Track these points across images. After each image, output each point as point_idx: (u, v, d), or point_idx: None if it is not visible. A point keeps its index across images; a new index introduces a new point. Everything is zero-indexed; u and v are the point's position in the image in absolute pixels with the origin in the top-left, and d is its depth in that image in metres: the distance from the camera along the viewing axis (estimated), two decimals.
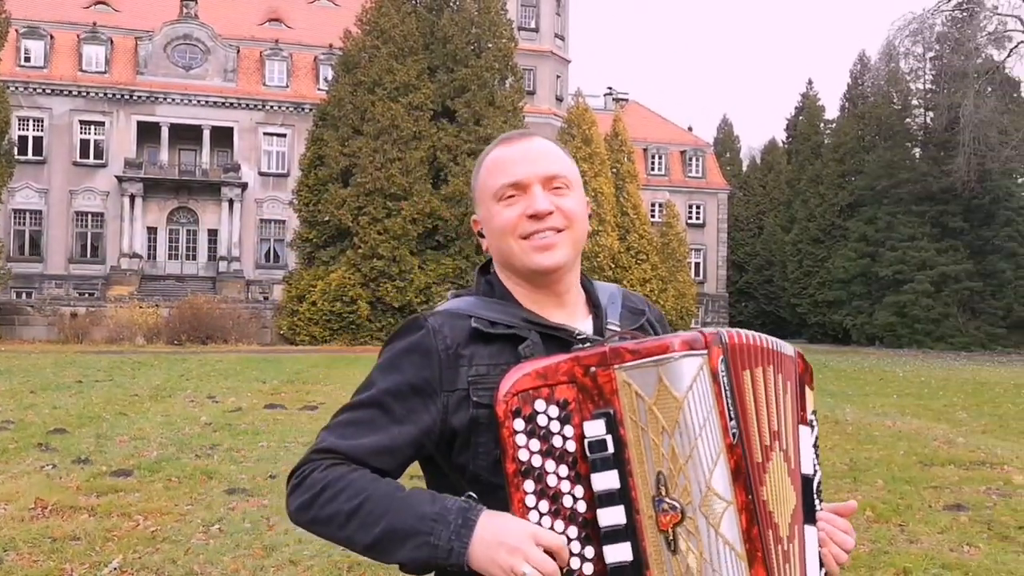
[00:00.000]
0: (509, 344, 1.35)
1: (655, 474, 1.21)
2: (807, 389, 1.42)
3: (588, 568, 1.21)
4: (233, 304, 36.87)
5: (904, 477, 8.26)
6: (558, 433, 1.23)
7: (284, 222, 45.03)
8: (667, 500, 1.20)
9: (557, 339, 1.37)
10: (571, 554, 1.21)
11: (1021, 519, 6.56)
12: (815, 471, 1.40)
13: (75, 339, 32.28)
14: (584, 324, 1.45)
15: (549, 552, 1.18)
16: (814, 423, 1.43)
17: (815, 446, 1.42)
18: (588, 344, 1.33)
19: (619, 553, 1.20)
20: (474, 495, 1.26)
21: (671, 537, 1.20)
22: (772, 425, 1.29)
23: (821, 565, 1.38)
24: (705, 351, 1.23)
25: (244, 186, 44.48)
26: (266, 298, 40.91)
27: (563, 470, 1.23)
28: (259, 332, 35.96)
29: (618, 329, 1.44)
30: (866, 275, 46.32)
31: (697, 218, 55.65)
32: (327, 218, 35.90)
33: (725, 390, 1.23)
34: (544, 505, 1.22)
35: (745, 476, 1.22)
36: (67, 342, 31.76)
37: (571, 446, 1.23)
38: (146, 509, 6.33)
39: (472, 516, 1.21)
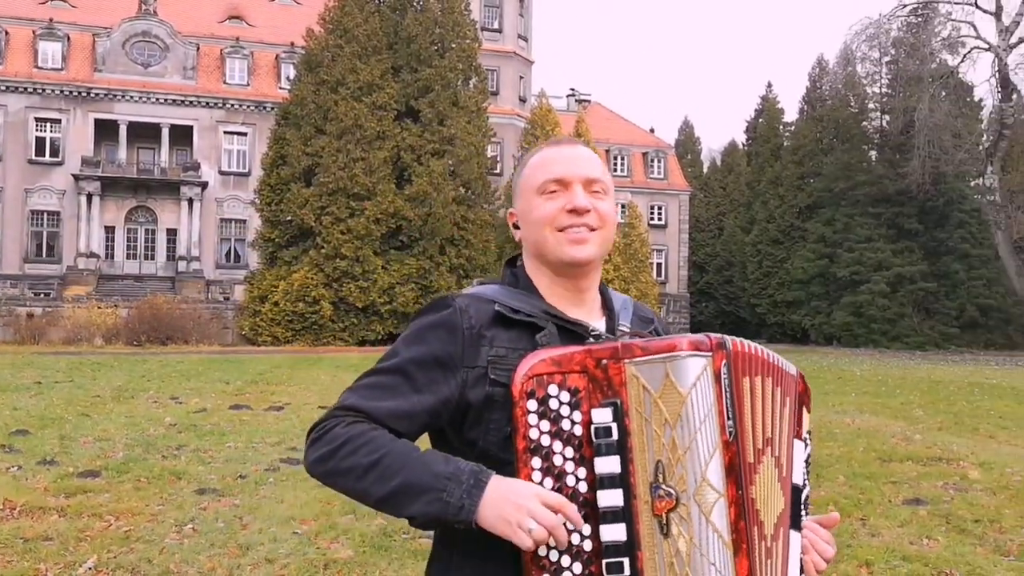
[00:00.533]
0: (528, 331, 1.44)
1: (654, 462, 1.29)
2: (804, 409, 1.51)
3: (586, 545, 1.30)
4: (193, 304, 36.53)
5: (864, 473, 8.45)
6: (567, 417, 1.31)
7: (245, 221, 44.64)
8: (663, 487, 1.28)
9: (572, 333, 1.46)
10: (570, 531, 1.29)
11: (978, 513, 6.76)
12: (804, 483, 1.49)
13: (31, 340, 31.79)
14: (598, 324, 1.53)
15: (555, 511, 1.26)
16: (808, 440, 1.52)
17: (807, 462, 1.51)
18: (601, 339, 1.43)
19: (614, 533, 1.28)
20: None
21: (664, 522, 1.28)
22: (766, 432, 1.38)
23: (802, 571, 1.45)
24: (710, 353, 1.32)
25: (204, 185, 43.97)
26: (227, 298, 40.52)
27: (569, 452, 1.31)
28: (220, 333, 35.66)
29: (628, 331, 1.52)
30: (824, 276, 46.99)
31: (659, 219, 56.06)
32: (289, 218, 35.71)
33: (726, 391, 1.31)
34: (548, 482, 1.30)
35: (737, 473, 1.31)
36: (23, 343, 31.25)
37: (578, 430, 1.31)
38: (117, 510, 6.30)
39: (483, 478, 1.29)
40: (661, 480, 1.28)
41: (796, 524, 1.45)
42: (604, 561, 1.28)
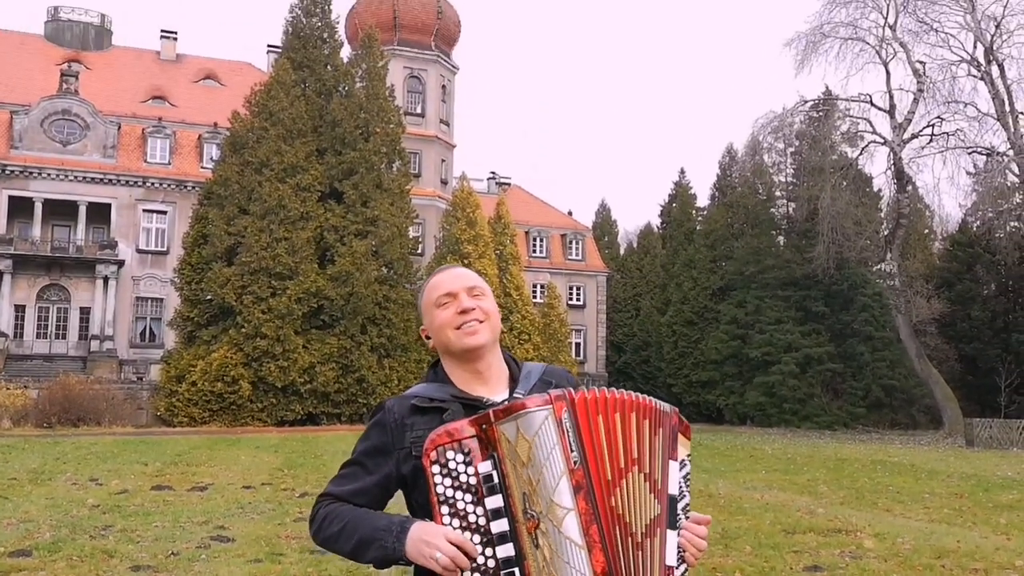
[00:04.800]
0: (438, 414, 1.97)
1: (522, 494, 1.79)
2: (681, 437, 2.00)
3: (490, 563, 1.79)
4: (107, 385, 35.74)
5: (769, 543, 9.02)
6: (463, 472, 1.81)
7: (162, 300, 44.14)
8: (530, 511, 1.78)
9: (474, 407, 1.97)
10: (477, 553, 1.78)
11: None
12: (681, 494, 1.98)
13: None
14: (501, 395, 2.06)
15: (456, 545, 1.76)
16: (686, 462, 2.02)
17: (686, 478, 2.01)
18: (487, 409, 1.93)
19: (506, 551, 1.78)
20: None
21: (534, 537, 1.77)
22: (631, 453, 1.85)
23: (683, 561, 1.95)
24: (550, 406, 1.81)
25: (120, 263, 43.38)
26: (141, 378, 39.71)
27: (468, 497, 1.81)
28: (135, 413, 34.92)
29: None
30: (737, 356, 48.21)
31: (577, 299, 57.19)
32: (210, 296, 35.48)
33: (567, 431, 1.80)
34: (456, 522, 1.80)
35: (586, 489, 1.79)
36: None
37: (472, 480, 1.81)
38: None
39: (407, 525, 1.82)
40: (528, 507, 1.78)
41: (673, 525, 1.93)
42: (502, 572, 1.78)
